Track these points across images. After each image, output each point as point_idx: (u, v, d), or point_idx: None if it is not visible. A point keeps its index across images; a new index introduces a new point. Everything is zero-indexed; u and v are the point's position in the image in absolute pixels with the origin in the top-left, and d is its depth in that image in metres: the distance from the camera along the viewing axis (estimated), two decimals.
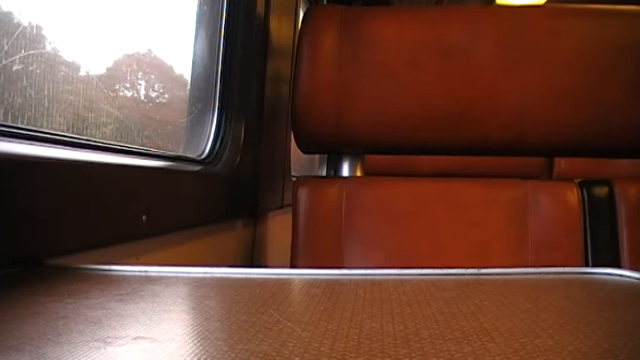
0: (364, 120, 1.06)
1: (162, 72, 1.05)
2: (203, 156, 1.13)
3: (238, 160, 1.16)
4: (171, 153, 1.06)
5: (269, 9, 1.28)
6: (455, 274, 0.54)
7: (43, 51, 0.64)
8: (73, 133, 0.71)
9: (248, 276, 0.52)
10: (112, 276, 0.51)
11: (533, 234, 1.03)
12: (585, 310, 0.41)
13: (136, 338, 0.33)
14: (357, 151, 1.14)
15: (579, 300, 0.45)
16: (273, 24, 1.33)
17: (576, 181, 1.09)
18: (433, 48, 1.05)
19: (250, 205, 1.27)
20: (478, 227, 1.04)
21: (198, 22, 1.16)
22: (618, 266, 0.87)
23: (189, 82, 1.17)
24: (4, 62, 0.57)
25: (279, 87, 1.45)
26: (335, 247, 1.05)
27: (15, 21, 0.59)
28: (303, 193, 1.07)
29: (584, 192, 1.08)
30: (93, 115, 0.76)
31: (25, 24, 0.60)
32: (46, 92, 0.65)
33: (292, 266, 1.06)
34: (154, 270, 0.53)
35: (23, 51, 0.59)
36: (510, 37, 1.05)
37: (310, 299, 0.43)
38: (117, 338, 0.33)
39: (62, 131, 0.68)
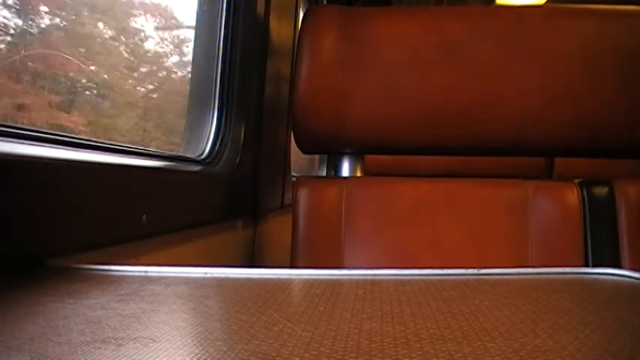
0: (364, 120, 1.06)
1: None
2: (203, 156, 1.13)
3: (238, 160, 1.16)
4: (171, 153, 1.06)
5: (269, 9, 1.28)
6: (455, 274, 0.54)
7: None
8: None
9: (248, 276, 0.52)
10: (112, 276, 0.51)
11: (534, 234, 1.03)
12: (585, 310, 0.41)
13: (136, 338, 0.33)
14: (357, 151, 1.13)
15: (579, 300, 0.45)
16: (273, 24, 1.33)
17: (576, 181, 1.09)
18: (433, 48, 1.05)
19: (250, 205, 1.27)
20: (478, 227, 1.04)
21: (198, 22, 1.16)
22: (618, 266, 0.87)
23: (190, 82, 1.17)
24: None
25: (279, 87, 1.45)
26: (335, 247, 1.05)
27: None
28: (303, 193, 1.07)
29: (584, 192, 1.08)
30: None
31: None
32: None
33: (292, 266, 1.06)
34: (153, 270, 0.53)
35: None
36: (510, 37, 1.05)
37: (310, 299, 0.43)
38: (117, 338, 0.33)
39: None
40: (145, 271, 0.52)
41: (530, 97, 1.03)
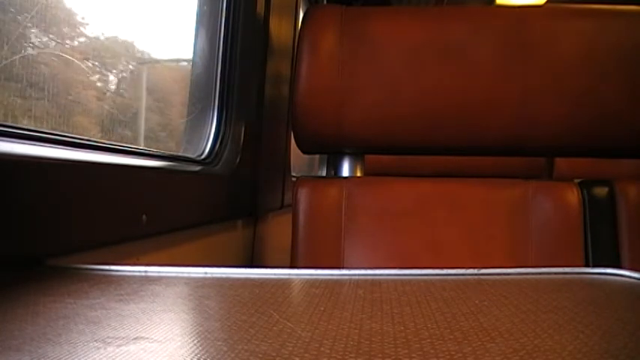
0: (364, 120, 1.06)
1: None
2: (203, 156, 1.13)
3: (238, 160, 1.16)
4: (171, 153, 1.06)
5: (269, 9, 1.28)
6: (455, 274, 0.54)
7: None
8: None
9: (248, 276, 0.52)
10: (112, 276, 0.51)
11: (534, 234, 1.03)
12: (585, 310, 0.41)
13: (136, 338, 0.33)
14: (357, 151, 1.13)
15: (579, 300, 0.45)
16: (273, 24, 1.33)
17: (576, 181, 1.09)
18: (433, 48, 1.05)
19: (250, 205, 1.27)
20: (478, 227, 1.04)
21: (198, 22, 1.17)
22: (618, 266, 0.87)
23: (190, 82, 1.17)
24: None
25: (279, 87, 1.45)
26: (335, 247, 1.05)
27: None
28: (303, 193, 1.07)
29: (584, 192, 1.08)
30: None
31: None
32: None
33: (292, 266, 1.06)
34: (153, 270, 0.53)
35: None
36: (510, 37, 1.05)
37: (310, 299, 0.43)
38: (117, 338, 0.33)
39: None
40: (145, 271, 0.53)
41: (530, 97, 1.03)
